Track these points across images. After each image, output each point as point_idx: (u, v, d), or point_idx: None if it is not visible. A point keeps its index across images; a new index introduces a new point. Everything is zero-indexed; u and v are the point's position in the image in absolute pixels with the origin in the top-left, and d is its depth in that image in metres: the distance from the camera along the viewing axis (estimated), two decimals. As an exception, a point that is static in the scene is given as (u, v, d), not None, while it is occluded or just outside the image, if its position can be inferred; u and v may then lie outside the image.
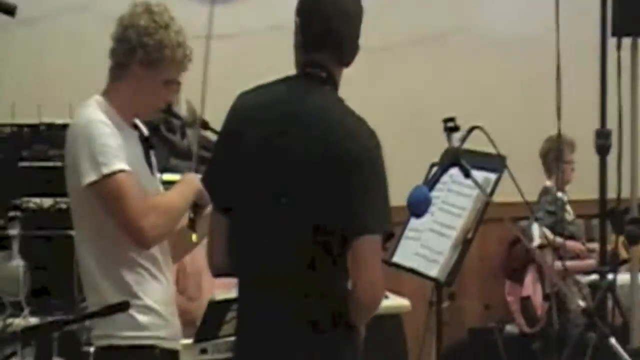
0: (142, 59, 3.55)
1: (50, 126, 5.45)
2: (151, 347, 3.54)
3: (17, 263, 5.07)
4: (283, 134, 3.14)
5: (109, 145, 3.44)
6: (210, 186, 3.37)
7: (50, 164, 5.37)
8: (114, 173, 3.42)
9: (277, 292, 3.19)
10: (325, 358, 3.16)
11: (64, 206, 5.39)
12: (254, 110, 3.23)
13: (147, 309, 3.53)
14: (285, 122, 3.15)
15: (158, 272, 3.60)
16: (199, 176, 3.58)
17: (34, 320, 4.92)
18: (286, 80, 3.27)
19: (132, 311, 3.41)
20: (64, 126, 5.41)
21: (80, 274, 3.67)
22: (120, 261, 3.52)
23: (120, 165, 3.44)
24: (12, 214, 5.23)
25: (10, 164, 5.37)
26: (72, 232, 5.18)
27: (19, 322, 4.87)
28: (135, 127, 3.70)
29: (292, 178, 3.11)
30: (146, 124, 3.80)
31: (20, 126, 5.44)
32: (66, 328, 3.09)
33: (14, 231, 5.13)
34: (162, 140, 3.91)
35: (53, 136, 5.42)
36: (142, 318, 3.51)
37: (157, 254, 3.60)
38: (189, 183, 3.62)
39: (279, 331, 3.19)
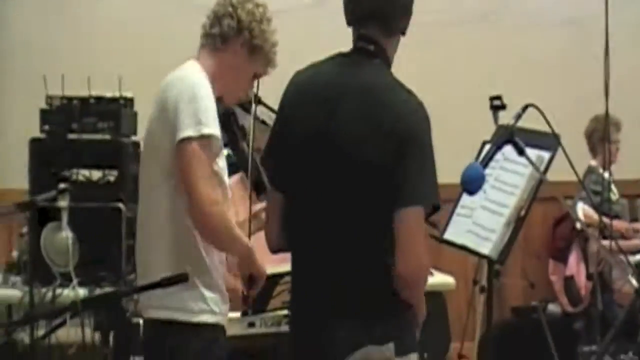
0: (246, 41, 3.62)
1: (100, 99, 5.48)
2: (216, 325, 3.55)
3: (66, 234, 5.10)
4: (332, 113, 3.16)
5: (213, 109, 3.47)
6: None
7: (99, 136, 5.41)
8: (212, 136, 3.43)
9: (329, 268, 3.21)
10: (378, 333, 3.17)
11: (112, 179, 5.43)
12: (305, 89, 3.28)
13: (214, 286, 3.53)
14: (334, 101, 3.17)
15: (221, 256, 3.63)
16: (264, 268, 3.65)
17: (82, 291, 4.96)
18: (337, 57, 3.29)
19: (200, 286, 3.46)
20: (113, 99, 5.49)
21: (141, 243, 3.64)
22: (197, 239, 3.51)
23: (218, 132, 3.46)
24: (61, 186, 5.26)
25: (59, 136, 5.41)
26: (120, 205, 5.27)
27: (67, 293, 4.91)
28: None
29: (342, 155, 3.14)
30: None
31: (70, 99, 5.47)
32: (124, 299, 3.12)
33: (63, 203, 5.16)
34: (229, 130, 3.91)
35: (102, 109, 5.46)
36: (209, 294, 3.52)
37: None
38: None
39: (331, 307, 3.21)
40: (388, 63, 3.26)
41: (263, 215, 4.10)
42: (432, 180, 3.11)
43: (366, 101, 3.13)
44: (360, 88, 3.15)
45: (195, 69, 3.57)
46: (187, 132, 3.40)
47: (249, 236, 3.79)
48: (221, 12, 3.64)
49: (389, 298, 3.15)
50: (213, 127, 3.43)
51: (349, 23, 3.28)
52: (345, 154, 3.13)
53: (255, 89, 3.91)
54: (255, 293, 3.72)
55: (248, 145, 4.07)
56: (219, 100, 3.62)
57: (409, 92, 3.18)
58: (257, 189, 4.06)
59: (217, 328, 3.56)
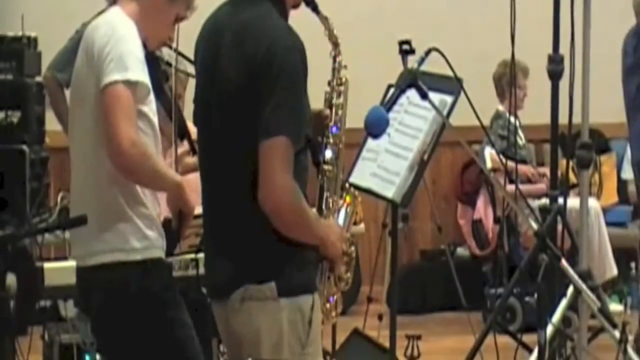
0: None
1: (2, 38, 5.38)
2: (160, 260, 3.50)
3: (-32, 178, 5.03)
4: (215, 53, 3.22)
5: (139, 54, 3.43)
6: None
7: (2, 76, 5.33)
8: (138, 82, 3.38)
9: (214, 206, 3.26)
10: (258, 272, 3.15)
11: (15, 120, 5.35)
12: (203, 33, 3.35)
13: (148, 219, 3.46)
14: (217, 41, 3.23)
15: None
16: (194, 204, 3.55)
17: (-15, 235, 4.91)
18: None
19: (138, 221, 3.41)
20: (16, 38, 5.39)
21: (78, 184, 3.56)
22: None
23: (144, 78, 3.41)
24: (-38, 128, 5.18)
25: (-40, 77, 5.31)
26: (24, 147, 5.20)
27: (-30, 237, 4.85)
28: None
29: (219, 91, 3.19)
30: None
31: (-29, 39, 5.37)
32: (20, 242, 3.08)
33: (-36, 145, 5.08)
34: (154, 76, 3.88)
35: (4, 48, 5.37)
36: (147, 231, 3.45)
37: None
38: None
39: (215, 245, 3.26)
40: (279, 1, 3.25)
41: (187, 159, 4.05)
42: (293, 111, 3.10)
43: (238, 36, 3.17)
44: (237, 25, 3.20)
45: (119, 14, 3.54)
46: (112, 76, 3.37)
47: None
48: None
49: (267, 234, 3.13)
50: (139, 73, 3.40)
51: None
52: (219, 88, 3.19)
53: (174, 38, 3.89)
54: (185, 230, 3.64)
55: (170, 90, 4.03)
56: (143, 44, 3.59)
57: (282, 25, 3.18)
58: (180, 133, 4.05)
59: (161, 262, 3.52)
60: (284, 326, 3.17)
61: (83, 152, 3.54)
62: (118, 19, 3.51)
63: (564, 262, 3.60)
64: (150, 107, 3.50)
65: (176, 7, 3.61)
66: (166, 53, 4.38)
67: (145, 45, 3.59)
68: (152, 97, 3.50)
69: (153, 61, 3.83)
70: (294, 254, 3.18)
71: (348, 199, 3.46)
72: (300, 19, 3.33)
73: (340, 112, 3.41)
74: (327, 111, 3.41)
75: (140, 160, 3.36)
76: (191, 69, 4.48)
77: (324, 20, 3.38)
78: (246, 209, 3.14)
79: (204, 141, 3.32)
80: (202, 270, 4.55)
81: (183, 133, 4.09)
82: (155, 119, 3.54)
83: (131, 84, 3.37)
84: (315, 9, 3.36)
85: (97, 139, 3.45)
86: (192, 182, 3.62)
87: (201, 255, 4.58)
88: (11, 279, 4.83)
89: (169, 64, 4.42)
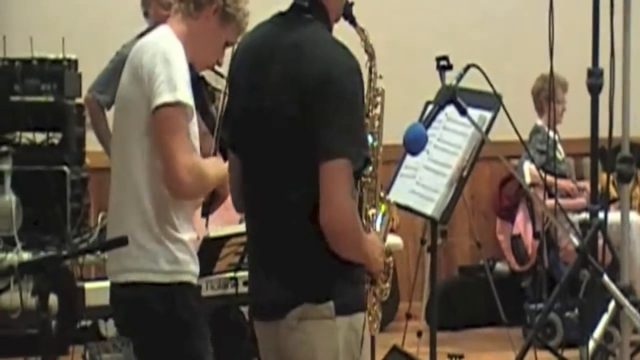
0: (219, 8, 3.60)
1: (43, 60, 5.43)
2: (190, 284, 3.54)
3: (10, 198, 5.07)
4: (264, 74, 3.18)
5: (186, 76, 3.48)
6: (225, 128, 3.45)
7: (42, 98, 5.36)
8: (187, 105, 3.44)
9: (267, 227, 3.22)
10: (316, 291, 3.16)
11: (56, 141, 5.39)
12: (245, 53, 3.30)
13: (182, 244, 3.51)
14: (265, 62, 3.19)
15: (191, 211, 3.62)
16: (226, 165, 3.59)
17: (26, 255, 4.94)
18: (275, 17, 3.29)
19: (170, 245, 3.46)
20: (57, 61, 5.43)
21: (116, 202, 3.59)
22: (169, 198, 3.49)
23: (191, 101, 3.46)
24: (3, 148, 5.22)
25: (1, 99, 5.36)
26: (65, 168, 5.23)
27: (11, 257, 4.89)
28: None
29: (272, 114, 3.15)
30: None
31: (12, 60, 5.42)
32: (63, 263, 3.10)
33: (6, 166, 5.12)
34: (199, 96, 3.89)
35: (45, 70, 5.41)
36: (179, 253, 3.50)
37: None
38: (221, 165, 3.64)
39: (270, 265, 3.22)
40: (324, 16, 3.24)
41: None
42: (354, 133, 3.09)
43: (292, 58, 3.13)
44: (289, 46, 3.16)
45: (168, 34, 3.58)
46: (164, 97, 3.41)
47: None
48: None
49: (325, 254, 3.12)
50: (187, 94, 3.45)
51: None
52: (272, 112, 3.14)
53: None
54: (215, 209, 3.73)
55: (217, 108, 4.05)
56: (190, 66, 3.62)
57: (337, 44, 3.16)
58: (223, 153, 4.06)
59: (193, 287, 3.56)
60: (340, 345, 3.16)
61: (122, 172, 3.56)
62: (166, 40, 3.54)
63: (606, 277, 3.57)
64: (193, 130, 3.52)
65: (227, 32, 3.64)
66: (207, 73, 4.40)
67: (191, 67, 3.62)
68: (195, 119, 3.52)
69: (198, 82, 3.85)
70: (349, 272, 3.18)
71: (383, 207, 3.46)
72: (335, 30, 3.33)
73: (377, 122, 3.41)
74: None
75: (197, 185, 3.46)
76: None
77: (361, 31, 3.38)
78: (302, 230, 3.13)
79: (249, 163, 3.27)
80: (241, 289, 4.59)
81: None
82: (196, 142, 3.56)
83: (182, 105, 3.42)
84: (353, 21, 3.36)
85: (137, 160, 3.48)
86: (226, 201, 3.64)
87: (240, 274, 4.61)
88: (52, 299, 4.87)
89: (215, 89, 4.45)
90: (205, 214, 3.69)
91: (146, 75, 3.45)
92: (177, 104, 3.41)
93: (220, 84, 4.08)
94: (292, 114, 3.10)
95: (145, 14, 5.74)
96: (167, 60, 3.45)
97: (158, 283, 3.46)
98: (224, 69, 3.84)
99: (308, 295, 3.15)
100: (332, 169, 3.06)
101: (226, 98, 3.44)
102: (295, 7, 3.22)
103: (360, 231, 3.16)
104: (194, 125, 3.53)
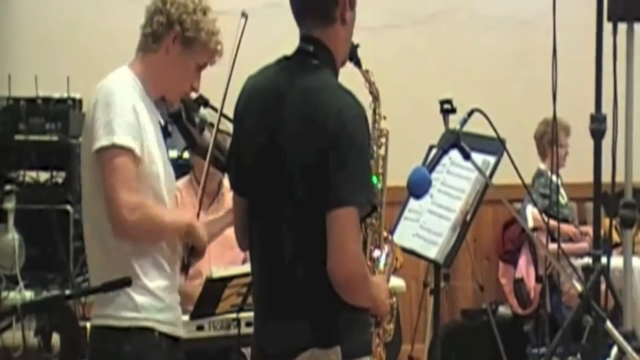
0: (178, 35, 3.53)
1: (47, 99, 5.44)
2: (150, 330, 3.48)
3: (13, 236, 5.07)
4: (273, 119, 3.19)
5: (128, 120, 3.41)
6: (229, 169, 3.41)
7: (47, 137, 5.37)
8: (124, 147, 3.38)
9: (273, 269, 3.22)
10: (323, 336, 3.16)
11: (59, 180, 5.40)
12: (252, 95, 3.30)
13: (146, 291, 3.47)
14: (275, 106, 3.19)
15: (163, 259, 3.55)
16: (201, 222, 3.60)
17: (28, 294, 4.93)
18: (281, 60, 3.29)
19: (131, 292, 3.40)
20: (61, 100, 5.45)
21: (86, 249, 3.61)
22: (127, 243, 3.46)
23: (133, 145, 3.41)
24: (7, 187, 5.22)
25: (6, 137, 5.37)
26: (68, 207, 5.23)
27: (14, 296, 4.88)
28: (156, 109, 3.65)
29: (282, 158, 3.16)
30: (168, 111, 3.77)
31: (17, 99, 5.44)
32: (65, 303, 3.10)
33: (9, 204, 5.12)
34: (183, 129, 3.84)
35: (50, 109, 5.43)
36: (140, 299, 3.45)
37: (163, 243, 3.56)
38: (188, 219, 3.59)
39: (276, 308, 3.22)
40: (331, 60, 3.25)
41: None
42: (362, 180, 3.10)
43: (302, 104, 3.14)
44: (298, 92, 3.17)
45: (119, 75, 3.53)
46: (100, 142, 3.39)
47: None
48: (152, 10, 3.57)
49: (332, 299, 3.12)
50: (125, 137, 3.39)
51: (297, 24, 3.28)
52: (284, 156, 3.15)
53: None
54: (194, 263, 3.68)
55: (211, 133, 4.01)
56: (162, 100, 3.60)
57: (345, 92, 3.17)
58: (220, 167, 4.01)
59: (153, 334, 3.50)
60: None
61: (86, 217, 3.57)
62: (113, 81, 3.49)
63: (608, 323, 3.57)
64: (150, 171, 3.47)
65: (194, 56, 3.56)
66: (207, 113, 4.35)
67: (164, 100, 3.59)
68: (151, 158, 3.47)
69: (178, 118, 3.80)
70: (356, 316, 3.19)
71: (386, 247, 3.46)
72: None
73: (381, 163, 3.42)
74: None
75: (140, 224, 3.38)
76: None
77: (365, 73, 3.40)
78: (309, 274, 3.13)
79: (257, 204, 3.27)
80: (244, 329, 4.58)
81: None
82: (159, 182, 3.51)
83: (118, 148, 3.37)
84: (358, 63, 3.38)
85: (95, 206, 3.47)
86: (230, 240, 3.62)
87: (243, 314, 4.60)
88: (55, 338, 4.86)
89: (211, 124, 4.42)
90: (184, 268, 3.66)
91: (90, 121, 3.45)
92: (113, 147, 3.36)
93: (212, 116, 4.04)
94: (304, 161, 3.11)
95: None
96: (107, 104, 3.41)
97: (117, 327, 3.44)
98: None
99: (316, 340, 3.15)
100: (341, 216, 3.06)
101: (231, 139, 3.40)
102: (300, 51, 3.24)
103: (367, 277, 3.16)
104: (154, 164, 3.48)
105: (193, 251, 3.62)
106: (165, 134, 3.67)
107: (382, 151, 3.43)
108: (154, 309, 3.49)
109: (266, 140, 3.20)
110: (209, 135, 3.86)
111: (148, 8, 3.60)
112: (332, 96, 3.14)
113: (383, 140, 3.43)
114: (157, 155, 3.51)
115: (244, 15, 3.80)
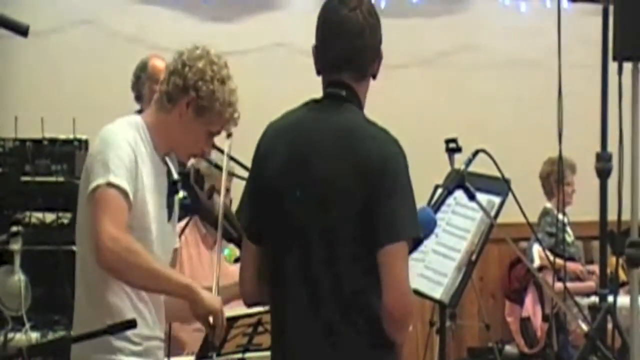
0: (192, 101, 3.50)
1: (53, 141, 5.46)
2: None
3: (19, 278, 5.07)
4: (304, 160, 3.16)
5: (124, 163, 3.39)
6: (242, 216, 3.34)
7: (53, 178, 5.39)
8: (118, 187, 3.35)
9: (320, 315, 3.16)
10: None
11: (66, 221, 5.40)
12: (278, 139, 3.25)
13: (123, 336, 3.40)
14: (308, 148, 3.17)
15: (141, 304, 3.51)
16: (217, 299, 3.49)
17: (35, 335, 4.92)
18: (309, 103, 3.28)
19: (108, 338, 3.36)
20: (67, 141, 5.47)
21: (76, 285, 3.58)
22: (107, 283, 3.43)
23: (126, 186, 3.37)
24: (14, 228, 5.23)
25: (12, 179, 5.38)
26: (74, 247, 5.23)
27: (20, 337, 4.87)
28: (166, 163, 3.62)
29: (321, 200, 3.13)
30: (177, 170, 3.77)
31: (23, 141, 5.46)
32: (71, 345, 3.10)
33: (15, 246, 5.13)
34: (190, 191, 3.81)
35: (56, 151, 5.44)
36: (116, 342, 3.42)
37: (145, 294, 3.52)
38: (188, 281, 3.48)
39: (321, 354, 3.17)
40: (360, 106, 3.26)
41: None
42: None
43: (341, 144, 3.13)
44: (335, 132, 3.15)
45: (125, 120, 3.53)
46: (97, 181, 3.36)
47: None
48: (171, 69, 3.54)
49: (374, 340, 3.12)
50: (121, 178, 3.37)
51: (319, 71, 3.27)
52: (323, 199, 3.12)
53: (228, 148, 3.83)
54: (220, 336, 3.60)
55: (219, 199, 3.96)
56: (167, 154, 3.60)
57: (383, 130, 3.19)
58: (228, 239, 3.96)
59: None
60: None
61: (78, 257, 3.56)
62: (117, 124, 3.49)
63: (615, 364, 3.56)
64: (147, 210, 3.45)
65: (206, 123, 3.53)
66: (217, 158, 4.32)
67: (168, 154, 3.59)
68: (143, 211, 3.44)
69: (185, 177, 3.77)
70: (390, 356, 3.18)
71: None
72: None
73: None
74: None
75: (123, 255, 3.29)
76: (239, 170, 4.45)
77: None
78: (358, 316, 3.11)
79: (285, 244, 3.19)
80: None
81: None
82: (150, 223, 3.48)
83: (114, 187, 3.34)
84: None
85: (83, 242, 3.46)
86: (235, 275, 3.53)
87: (249, 355, 4.58)
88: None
89: (217, 166, 4.42)
90: (207, 348, 3.63)
91: (89, 163, 3.44)
92: (109, 185, 3.34)
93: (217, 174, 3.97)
94: (346, 199, 3.08)
95: (137, 98, 5.79)
96: (106, 145, 3.41)
97: None
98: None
99: None
100: (395, 252, 3.05)
101: (247, 185, 3.32)
102: (331, 94, 3.23)
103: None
104: (149, 204, 3.46)
105: (212, 328, 3.50)
106: (173, 190, 3.64)
107: None
108: (129, 352, 3.47)
109: (299, 183, 3.15)
110: (217, 201, 3.83)
111: (168, 66, 3.59)
112: (372, 130, 3.16)
113: None
114: (151, 211, 3.48)
115: (229, 135, 3.78)
